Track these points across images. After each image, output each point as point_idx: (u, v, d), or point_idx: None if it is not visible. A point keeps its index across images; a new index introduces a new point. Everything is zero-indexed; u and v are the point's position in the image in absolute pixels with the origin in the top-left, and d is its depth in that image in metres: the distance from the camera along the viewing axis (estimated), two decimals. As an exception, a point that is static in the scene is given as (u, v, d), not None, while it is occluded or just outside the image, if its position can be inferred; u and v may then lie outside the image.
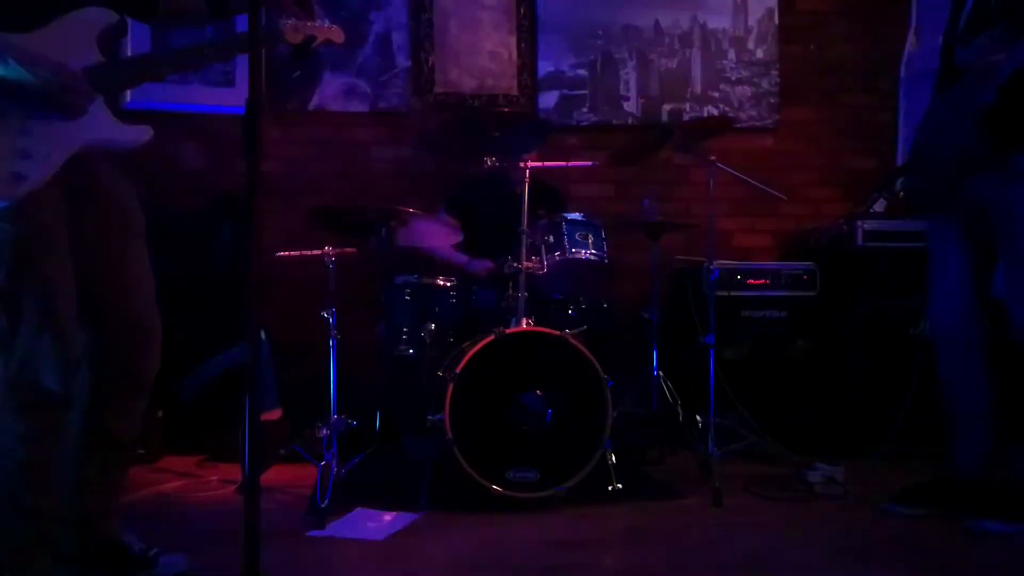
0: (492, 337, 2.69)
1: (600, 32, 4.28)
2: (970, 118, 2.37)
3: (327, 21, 2.05)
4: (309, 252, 3.01)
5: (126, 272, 1.94)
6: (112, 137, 1.83)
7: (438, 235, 3.18)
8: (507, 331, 2.73)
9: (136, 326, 1.94)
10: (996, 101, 2.30)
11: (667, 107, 4.32)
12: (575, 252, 3.04)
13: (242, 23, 1.77)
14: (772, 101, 4.37)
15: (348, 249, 2.99)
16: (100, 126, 1.81)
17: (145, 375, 1.98)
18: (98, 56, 1.82)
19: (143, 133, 1.85)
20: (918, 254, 2.72)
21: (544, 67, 4.23)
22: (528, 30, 4.23)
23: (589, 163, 3.62)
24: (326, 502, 2.50)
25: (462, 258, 3.45)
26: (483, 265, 3.37)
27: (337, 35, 2.07)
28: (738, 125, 4.19)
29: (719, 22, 4.35)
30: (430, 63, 4.16)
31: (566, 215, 3.13)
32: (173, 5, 2.04)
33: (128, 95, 3.80)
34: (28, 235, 1.74)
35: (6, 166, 1.68)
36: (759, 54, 4.37)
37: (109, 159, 1.91)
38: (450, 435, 2.58)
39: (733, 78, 4.36)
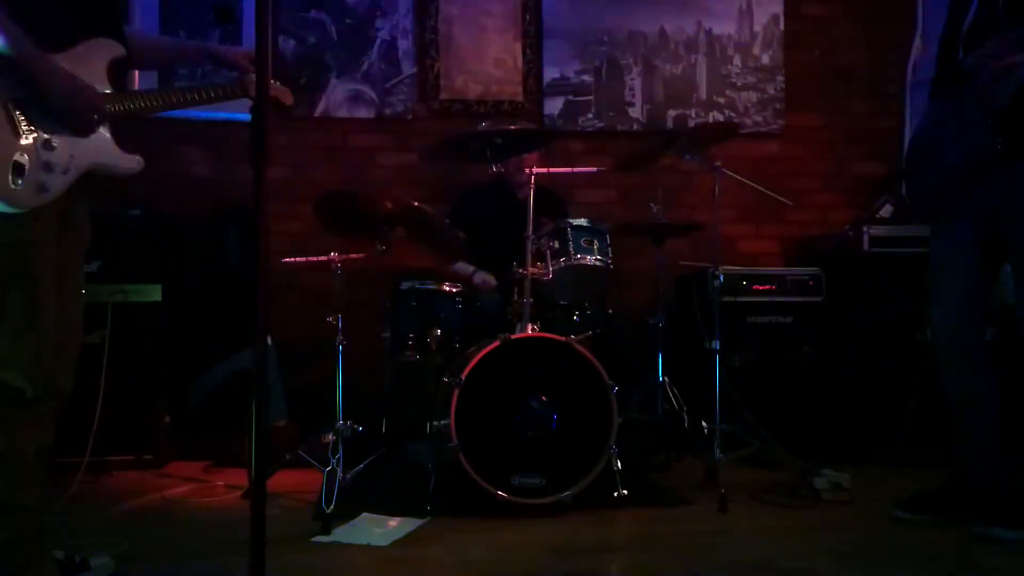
0: (497, 343, 2.69)
1: (605, 38, 4.28)
2: (982, 121, 2.34)
3: (278, 83, 2.34)
4: (316, 258, 3.03)
5: (76, 285, 1.99)
6: (115, 163, 1.95)
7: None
8: (512, 337, 2.74)
9: (74, 331, 1.98)
10: (1012, 103, 2.29)
11: (672, 113, 4.33)
12: (580, 258, 3.04)
13: (249, 37, 1.82)
14: (777, 107, 4.37)
15: (355, 255, 3.00)
16: (106, 150, 1.93)
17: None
18: (107, 85, 1.93)
19: (137, 163, 1.98)
20: (924, 260, 2.71)
21: (549, 73, 4.24)
22: (533, 36, 4.24)
23: (594, 169, 3.62)
24: (331, 508, 2.50)
25: (468, 269, 3.46)
26: (484, 281, 3.39)
27: (286, 97, 2.37)
28: (743, 131, 4.19)
29: (724, 28, 4.35)
30: (436, 69, 4.17)
31: (571, 221, 3.12)
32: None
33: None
34: (28, 241, 1.80)
35: (34, 174, 1.77)
36: (764, 60, 4.37)
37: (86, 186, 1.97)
38: (456, 441, 2.59)
39: (738, 84, 4.36)
